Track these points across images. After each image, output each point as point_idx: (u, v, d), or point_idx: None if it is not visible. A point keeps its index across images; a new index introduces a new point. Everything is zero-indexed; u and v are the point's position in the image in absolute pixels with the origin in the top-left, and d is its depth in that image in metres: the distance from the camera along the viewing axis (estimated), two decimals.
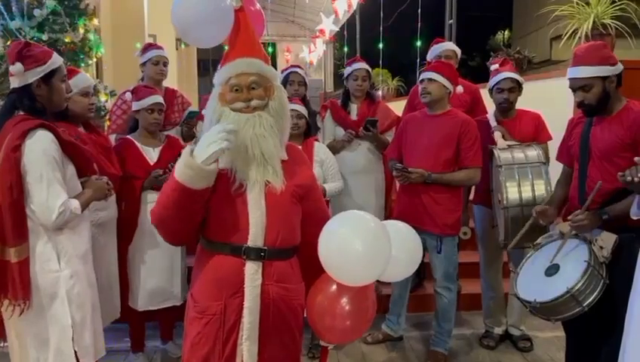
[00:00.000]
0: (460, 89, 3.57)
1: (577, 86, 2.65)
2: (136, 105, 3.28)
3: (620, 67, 2.64)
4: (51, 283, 2.33)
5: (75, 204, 2.33)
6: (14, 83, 2.37)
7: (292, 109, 3.39)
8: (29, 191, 2.25)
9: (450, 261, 3.45)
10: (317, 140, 3.72)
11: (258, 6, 2.37)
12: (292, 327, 2.02)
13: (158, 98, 3.30)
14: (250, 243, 1.89)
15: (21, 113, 2.36)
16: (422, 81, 3.40)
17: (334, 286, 1.91)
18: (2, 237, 2.23)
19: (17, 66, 2.31)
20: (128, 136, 3.34)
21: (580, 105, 2.69)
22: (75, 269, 2.39)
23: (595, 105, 2.64)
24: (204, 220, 2.00)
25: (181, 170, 1.79)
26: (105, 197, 2.62)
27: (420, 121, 3.46)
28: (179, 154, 3.18)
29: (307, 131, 3.57)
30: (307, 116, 3.56)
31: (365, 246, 1.76)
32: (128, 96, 3.59)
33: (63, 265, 2.35)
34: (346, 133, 3.91)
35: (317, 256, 1.92)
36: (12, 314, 2.26)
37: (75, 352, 2.37)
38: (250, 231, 1.89)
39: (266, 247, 1.91)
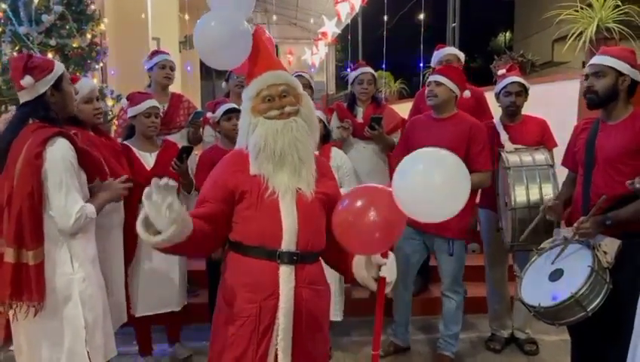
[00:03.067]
0: (467, 93, 3.57)
1: (592, 72, 2.68)
2: (132, 111, 3.27)
3: (637, 73, 2.65)
4: (65, 286, 2.38)
5: (91, 208, 2.38)
6: (26, 96, 2.39)
7: None
8: (49, 197, 2.30)
9: (460, 263, 3.47)
10: (334, 146, 3.71)
11: (267, 34, 2.41)
12: (322, 327, 2.11)
13: (154, 102, 3.30)
14: (283, 248, 1.96)
15: (36, 121, 2.38)
16: (429, 83, 3.39)
17: (357, 202, 1.84)
18: (21, 240, 2.27)
19: (27, 79, 2.34)
20: (125, 142, 3.32)
21: (586, 92, 2.72)
22: (87, 272, 2.44)
23: (600, 95, 2.65)
24: (235, 224, 2.04)
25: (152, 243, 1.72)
26: (120, 197, 2.67)
27: (427, 124, 3.45)
28: (181, 151, 3.18)
29: (325, 136, 3.56)
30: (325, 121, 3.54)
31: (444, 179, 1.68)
32: (124, 102, 3.58)
33: (76, 268, 2.40)
34: (345, 121, 3.91)
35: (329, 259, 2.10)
36: (27, 316, 2.29)
37: (88, 353, 2.40)
38: (283, 236, 1.95)
39: (298, 251, 1.97)
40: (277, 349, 1.97)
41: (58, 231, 2.34)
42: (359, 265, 2.01)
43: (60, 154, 2.30)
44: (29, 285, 2.29)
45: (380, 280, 1.97)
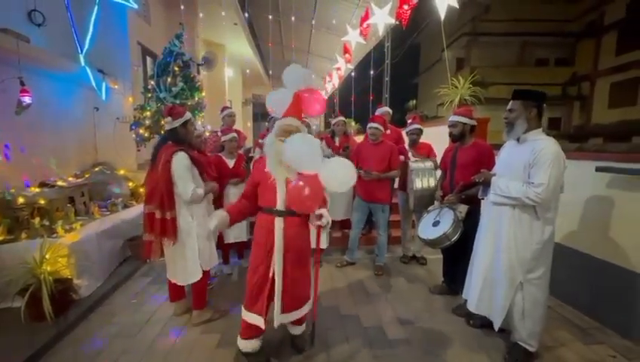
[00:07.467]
0: (388, 131, 3.58)
1: (450, 124, 2.71)
2: (224, 138, 3.26)
3: (474, 122, 2.67)
4: (188, 229, 2.35)
5: (200, 190, 2.33)
6: (167, 127, 2.36)
7: None
8: (176, 183, 2.26)
9: (387, 217, 3.45)
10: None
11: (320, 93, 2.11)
12: (302, 250, 1.98)
13: (234, 134, 3.27)
14: (277, 207, 1.91)
15: (170, 142, 2.36)
16: (370, 128, 3.39)
17: (300, 183, 1.77)
18: (163, 206, 2.25)
19: (168, 118, 2.32)
20: (218, 154, 3.29)
21: (450, 134, 2.74)
22: (199, 222, 2.40)
23: (457, 136, 2.69)
24: (258, 196, 1.99)
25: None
26: (215, 191, 2.60)
27: (369, 146, 3.39)
28: (246, 159, 3.14)
29: None
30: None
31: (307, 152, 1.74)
32: (219, 133, 3.59)
33: (193, 220, 2.36)
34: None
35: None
36: (170, 244, 2.30)
37: (200, 264, 2.39)
38: (277, 201, 1.92)
39: (284, 210, 1.92)
40: (275, 262, 1.92)
41: (183, 201, 2.30)
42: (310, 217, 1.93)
43: (180, 161, 2.26)
44: (169, 229, 2.27)
45: (317, 229, 1.92)
